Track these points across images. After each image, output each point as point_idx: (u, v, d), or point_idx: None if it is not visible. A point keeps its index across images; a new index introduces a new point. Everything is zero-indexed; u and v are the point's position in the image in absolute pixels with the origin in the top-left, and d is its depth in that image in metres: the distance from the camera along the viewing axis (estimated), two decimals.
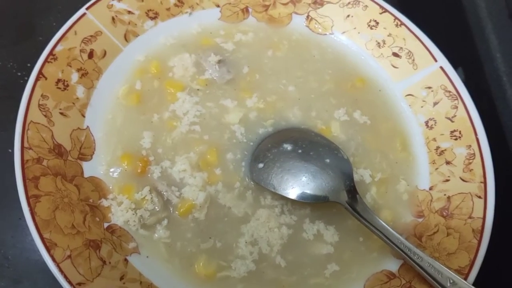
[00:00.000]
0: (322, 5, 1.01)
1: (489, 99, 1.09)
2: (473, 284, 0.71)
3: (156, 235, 0.76)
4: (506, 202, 0.82)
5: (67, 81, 0.82)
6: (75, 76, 0.83)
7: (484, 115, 0.89)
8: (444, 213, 0.82)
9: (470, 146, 0.86)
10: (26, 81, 0.79)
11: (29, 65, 0.94)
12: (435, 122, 0.91)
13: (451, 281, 0.70)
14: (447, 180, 0.85)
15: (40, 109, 0.77)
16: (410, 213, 0.84)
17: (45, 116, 0.77)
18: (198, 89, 0.89)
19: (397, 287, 0.75)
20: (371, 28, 1.00)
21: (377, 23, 0.99)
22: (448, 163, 0.87)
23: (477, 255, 0.75)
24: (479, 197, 0.81)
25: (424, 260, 0.71)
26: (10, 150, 0.85)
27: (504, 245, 0.79)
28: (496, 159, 0.85)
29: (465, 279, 0.73)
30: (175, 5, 0.96)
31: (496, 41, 1.17)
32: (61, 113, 0.79)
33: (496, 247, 0.77)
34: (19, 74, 0.95)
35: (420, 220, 0.83)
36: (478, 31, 1.20)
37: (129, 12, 0.92)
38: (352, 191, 0.79)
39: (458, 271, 0.74)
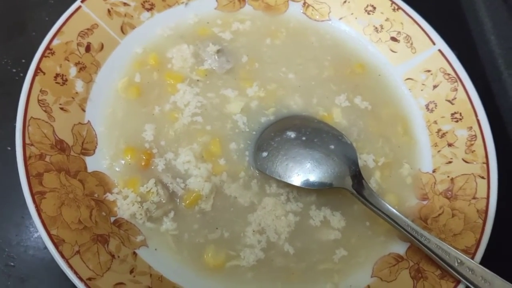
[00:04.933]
0: None
1: (484, 82, 1.09)
2: (480, 263, 0.72)
3: (163, 227, 0.75)
4: (508, 181, 0.83)
5: (65, 75, 0.81)
6: (73, 70, 0.82)
7: (480, 98, 0.89)
8: (448, 195, 0.82)
9: (471, 127, 0.87)
10: (22, 77, 0.78)
11: (23, 61, 0.93)
12: (436, 105, 0.92)
13: (459, 260, 0.71)
14: (450, 162, 0.86)
15: (39, 105, 0.76)
16: (414, 196, 0.85)
17: (45, 111, 0.76)
18: (198, 80, 0.89)
19: (405, 269, 0.76)
20: (368, 13, 1.00)
21: (374, 8, 0.99)
22: (450, 145, 0.87)
23: (482, 234, 0.76)
24: (482, 177, 0.82)
25: (431, 242, 0.72)
26: (9, 148, 0.84)
27: (510, 224, 0.80)
28: (494, 140, 0.85)
29: (472, 258, 0.74)
30: None
31: (490, 24, 1.18)
32: (61, 108, 0.78)
33: (502, 226, 0.78)
34: (14, 70, 0.93)
35: (425, 202, 0.84)
36: (472, 13, 1.20)
37: (125, 4, 0.90)
38: (357, 176, 0.79)
39: (464, 251, 0.75)
